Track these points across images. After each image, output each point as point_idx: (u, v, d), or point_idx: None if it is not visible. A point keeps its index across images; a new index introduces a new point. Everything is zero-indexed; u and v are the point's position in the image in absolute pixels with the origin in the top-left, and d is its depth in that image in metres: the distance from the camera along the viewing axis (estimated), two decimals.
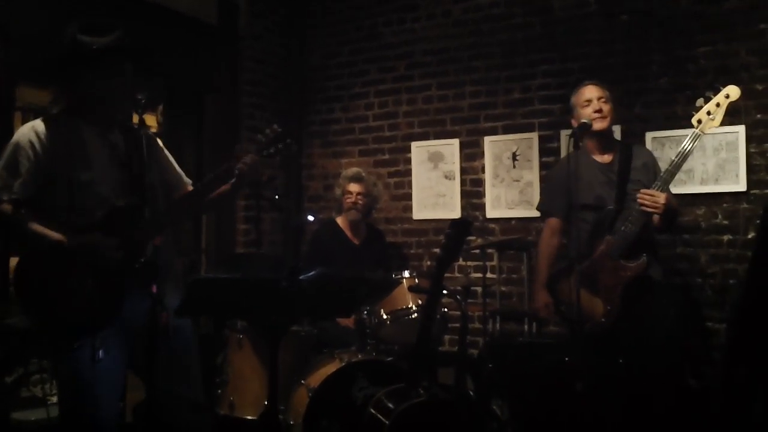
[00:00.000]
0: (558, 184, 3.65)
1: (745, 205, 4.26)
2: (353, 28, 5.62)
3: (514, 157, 4.97)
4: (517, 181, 4.96)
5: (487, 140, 5.06)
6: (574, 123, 3.56)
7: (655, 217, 3.33)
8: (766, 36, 4.25)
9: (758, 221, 4.05)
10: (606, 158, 3.55)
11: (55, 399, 4.01)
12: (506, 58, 5.03)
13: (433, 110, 5.29)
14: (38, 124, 2.50)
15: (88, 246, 2.39)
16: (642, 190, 3.29)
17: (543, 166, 4.86)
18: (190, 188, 2.75)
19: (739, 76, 4.26)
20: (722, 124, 4.29)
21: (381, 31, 5.51)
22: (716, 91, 3.29)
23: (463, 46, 5.18)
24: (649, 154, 3.66)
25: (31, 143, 2.44)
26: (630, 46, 4.60)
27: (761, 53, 4.26)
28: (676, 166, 3.26)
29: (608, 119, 3.49)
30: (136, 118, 2.45)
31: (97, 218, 2.45)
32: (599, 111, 3.46)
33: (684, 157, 3.24)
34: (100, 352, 2.34)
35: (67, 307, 2.36)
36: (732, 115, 4.22)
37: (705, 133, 3.28)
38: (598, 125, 3.45)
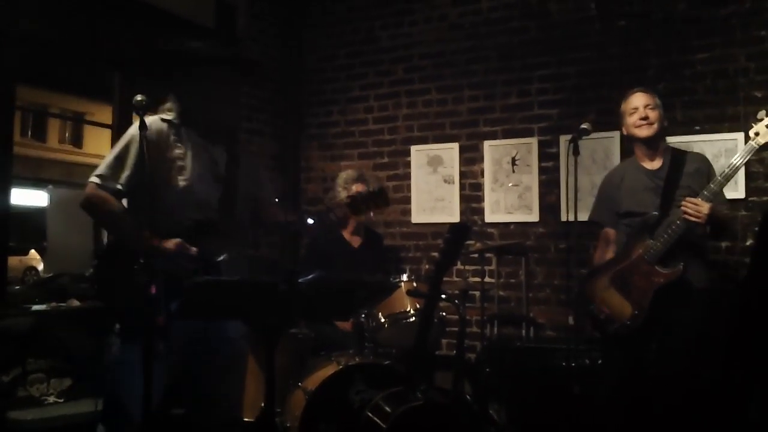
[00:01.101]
0: (606, 195, 3.66)
1: (744, 212, 4.27)
2: (350, 31, 5.62)
3: (513, 161, 4.98)
4: (517, 185, 4.96)
5: (487, 144, 5.07)
6: (624, 131, 3.57)
7: (703, 226, 3.29)
8: (764, 42, 4.26)
9: (756, 228, 4.06)
10: (655, 164, 3.51)
11: (51, 399, 4.03)
12: (503, 62, 5.03)
13: (432, 114, 5.30)
14: (154, 122, 2.56)
15: (172, 249, 2.45)
16: (687, 198, 3.25)
17: (542, 170, 4.87)
18: (274, 208, 2.86)
19: (737, 81, 4.27)
20: (720, 130, 4.35)
21: (378, 34, 5.51)
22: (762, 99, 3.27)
23: (460, 50, 5.19)
24: (704, 160, 3.57)
25: (143, 140, 2.47)
26: (627, 51, 4.61)
27: (759, 59, 4.27)
28: (726, 177, 3.23)
29: (654, 126, 3.46)
30: (137, 119, 2.46)
31: (185, 225, 2.49)
32: (645, 118, 3.45)
33: (735, 168, 3.21)
34: (161, 344, 2.36)
35: (132, 299, 2.39)
36: (731, 122, 4.25)
37: (760, 146, 3.24)
38: (643, 132, 3.46)
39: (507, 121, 5.02)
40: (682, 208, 3.24)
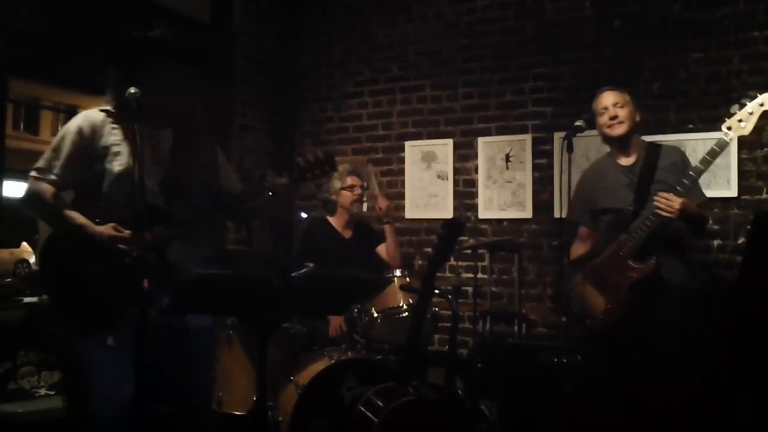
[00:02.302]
0: (582, 193, 3.67)
1: (736, 211, 4.29)
2: (346, 28, 5.62)
3: (507, 158, 4.99)
4: (510, 182, 4.97)
5: (481, 141, 5.08)
6: (598, 131, 3.58)
7: (678, 221, 3.28)
8: (758, 43, 4.28)
9: (748, 227, 4.07)
10: (629, 160, 3.52)
11: (42, 392, 4.02)
12: (499, 60, 5.04)
13: (426, 110, 5.30)
14: (91, 114, 2.61)
15: (106, 236, 2.47)
16: (659, 193, 3.25)
17: (536, 168, 4.88)
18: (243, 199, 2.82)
19: (730, 82, 4.29)
20: (713, 129, 4.35)
21: (374, 32, 5.51)
22: (751, 99, 3.27)
23: (455, 48, 5.20)
24: (679, 153, 3.56)
25: (80, 130, 2.56)
26: (622, 51, 4.63)
27: (752, 60, 4.28)
28: (698, 172, 3.22)
29: (625, 124, 3.45)
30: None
31: (124, 211, 2.49)
32: (614, 117, 3.46)
33: (708, 162, 3.19)
34: (110, 338, 2.40)
35: (83, 292, 2.46)
36: (724, 121, 4.26)
37: (731, 140, 3.23)
38: (614, 132, 3.46)
39: (501, 118, 5.03)
40: (654, 203, 3.24)
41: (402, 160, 5.37)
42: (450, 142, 5.19)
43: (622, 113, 3.48)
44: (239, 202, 2.70)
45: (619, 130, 3.47)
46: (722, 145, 3.21)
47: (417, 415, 3.00)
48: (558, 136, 4.68)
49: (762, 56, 4.27)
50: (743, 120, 3.22)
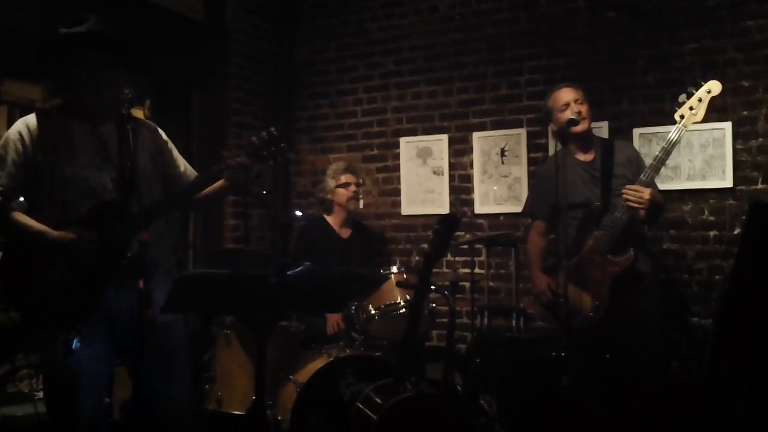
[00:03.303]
0: (542, 187, 3.70)
1: (732, 202, 4.29)
2: (340, 23, 5.61)
3: (502, 152, 4.98)
4: (506, 176, 4.97)
5: (476, 136, 5.07)
6: (554, 127, 3.61)
7: (641, 212, 3.36)
8: (752, 32, 4.28)
9: (744, 217, 4.08)
10: (588, 156, 3.59)
11: (41, 394, 4.01)
12: (493, 54, 5.03)
13: (421, 106, 5.29)
14: (30, 119, 2.54)
15: (66, 240, 2.41)
16: (627, 186, 3.32)
17: (531, 162, 4.87)
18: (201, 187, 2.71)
19: (725, 72, 4.28)
20: (708, 120, 4.34)
21: (368, 26, 5.50)
22: (698, 87, 3.33)
23: (450, 42, 5.19)
24: (632, 147, 3.68)
25: (21, 136, 2.48)
26: (616, 42, 4.62)
27: (747, 50, 4.28)
28: (660, 161, 3.30)
29: (587, 120, 3.54)
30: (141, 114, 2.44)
31: (81, 213, 2.45)
32: (578, 113, 3.49)
33: (667, 152, 3.28)
34: (75, 341, 2.36)
35: (44, 298, 2.40)
36: (719, 112, 4.27)
37: (687, 129, 3.32)
38: (578, 128, 3.50)
39: (496, 112, 5.02)
40: (624, 196, 3.30)
41: (397, 157, 5.36)
42: (445, 137, 5.18)
43: (584, 109, 3.55)
44: (196, 188, 2.64)
45: (584, 125, 3.52)
46: (679, 133, 3.30)
47: (416, 412, 3.00)
48: (552, 130, 4.67)
49: (757, 45, 4.26)
50: (693, 108, 3.31)
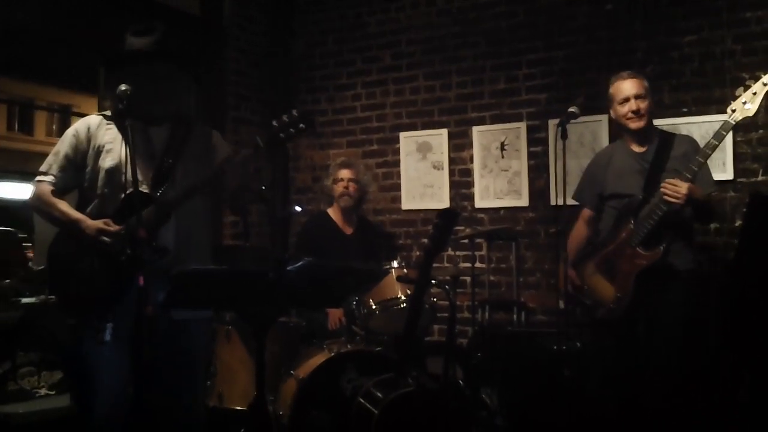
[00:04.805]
0: (591, 176, 3.67)
1: (732, 194, 4.28)
2: (337, 17, 5.59)
3: (502, 147, 4.98)
4: (506, 170, 4.96)
5: (476, 130, 5.06)
6: (613, 114, 3.54)
7: (686, 208, 3.27)
8: (751, 24, 4.26)
9: (744, 209, 4.07)
10: (642, 148, 3.49)
11: (43, 392, 4.02)
12: (491, 47, 5.02)
13: (420, 101, 5.29)
14: (91, 117, 2.74)
15: (95, 228, 2.51)
16: (666, 180, 3.24)
17: (531, 155, 4.87)
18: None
19: (724, 64, 4.27)
20: (707, 112, 4.34)
21: (366, 20, 5.48)
22: (756, 79, 3.23)
23: (448, 35, 5.17)
24: (692, 142, 3.50)
25: (77, 132, 2.68)
26: (614, 34, 4.61)
27: (746, 41, 4.27)
28: (704, 156, 3.20)
29: (646, 117, 3.42)
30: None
31: (115, 206, 2.56)
32: (636, 111, 3.41)
33: (713, 147, 3.17)
34: (106, 333, 2.40)
35: (76, 285, 2.53)
36: (718, 104, 4.26)
37: (737, 123, 3.22)
38: (634, 125, 3.42)
39: (495, 106, 5.01)
40: (662, 189, 3.23)
41: (397, 152, 5.35)
42: (444, 132, 5.17)
43: (644, 106, 3.43)
44: (199, 188, 2.68)
45: (640, 123, 3.43)
46: (727, 128, 3.20)
47: (417, 406, 3.00)
48: (552, 124, 4.66)
49: (755, 36, 4.25)
50: (747, 101, 3.19)
